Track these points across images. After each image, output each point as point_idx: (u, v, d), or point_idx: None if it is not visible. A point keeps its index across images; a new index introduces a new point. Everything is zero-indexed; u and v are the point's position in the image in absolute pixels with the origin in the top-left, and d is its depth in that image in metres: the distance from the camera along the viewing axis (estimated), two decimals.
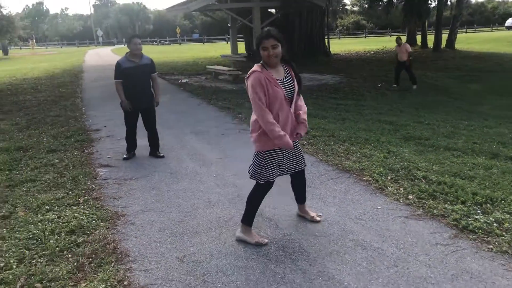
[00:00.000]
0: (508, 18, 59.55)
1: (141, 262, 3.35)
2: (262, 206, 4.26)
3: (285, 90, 3.42)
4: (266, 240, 3.62)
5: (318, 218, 3.94)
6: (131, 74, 5.83)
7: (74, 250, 3.53)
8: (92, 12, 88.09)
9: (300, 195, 4.02)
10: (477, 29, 58.53)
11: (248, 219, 3.67)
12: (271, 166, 3.53)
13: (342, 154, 5.94)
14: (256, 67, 3.41)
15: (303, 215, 4.03)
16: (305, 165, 3.81)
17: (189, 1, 16.97)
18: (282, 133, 3.35)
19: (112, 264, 3.30)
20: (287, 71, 3.53)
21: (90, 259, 3.38)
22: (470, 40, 35.76)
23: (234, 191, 4.77)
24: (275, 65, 3.43)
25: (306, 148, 6.29)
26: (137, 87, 5.93)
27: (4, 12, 36.79)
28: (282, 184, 4.73)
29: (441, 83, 15.95)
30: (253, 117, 3.47)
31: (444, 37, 27.19)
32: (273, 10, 22.85)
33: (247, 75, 3.42)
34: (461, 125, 8.42)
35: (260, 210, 4.18)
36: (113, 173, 5.52)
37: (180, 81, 15.85)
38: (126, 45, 5.92)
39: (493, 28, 59.14)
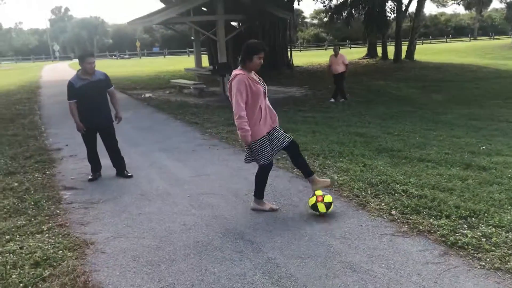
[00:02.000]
0: (460, 30, 62.24)
1: None
2: (242, 228, 4.07)
3: (262, 87, 4.26)
4: (277, 207, 4.53)
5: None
6: (85, 92, 5.50)
7: (40, 285, 3.20)
8: (48, 26, 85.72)
9: (304, 168, 4.53)
10: (432, 41, 60.62)
11: (259, 194, 4.50)
12: (264, 151, 4.29)
13: (318, 169, 5.80)
14: (238, 71, 4.18)
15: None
16: (291, 138, 4.43)
17: (152, 14, 16.64)
18: (247, 127, 4.11)
19: None
20: (255, 74, 4.37)
21: None
22: (427, 51, 36.88)
23: (211, 212, 4.52)
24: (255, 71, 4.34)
25: (281, 163, 6.12)
26: (92, 106, 5.61)
27: None
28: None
29: (404, 93, 16.24)
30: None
31: (404, 48, 27.91)
32: (235, 24, 22.81)
33: (231, 78, 4.17)
34: (430, 136, 8.48)
35: (241, 233, 3.98)
36: (78, 196, 5.16)
37: (143, 95, 15.47)
38: (79, 62, 5.58)
39: (447, 40, 61.41)
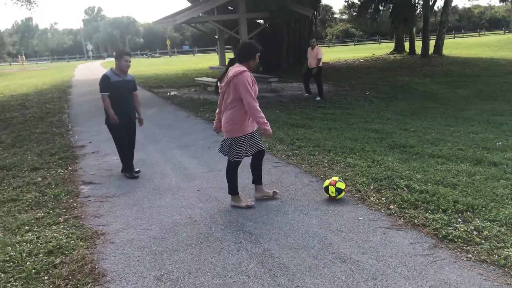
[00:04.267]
0: (495, 23, 60.43)
1: (118, 282, 3.30)
2: (244, 221, 4.26)
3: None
4: (253, 203, 4.64)
5: (277, 190, 4.95)
6: (119, 87, 5.80)
7: (50, 271, 3.48)
8: (82, 26, 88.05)
9: (257, 174, 4.82)
10: (464, 34, 59.12)
11: (233, 190, 4.64)
12: (240, 149, 4.48)
13: (326, 165, 5.93)
14: (241, 67, 4.24)
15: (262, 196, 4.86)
16: (263, 146, 4.69)
17: (176, 14, 17.00)
18: (266, 121, 4.28)
19: (89, 285, 3.25)
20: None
21: (67, 280, 3.32)
22: (457, 46, 36.07)
23: (216, 206, 4.73)
24: None
25: (291, 159, 6.27)
26: (123, 100, 5.89)
27: None
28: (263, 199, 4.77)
29: (429, 89, 16.02)
30: (230, 112, 4.35)
31: (432, 43, 27.40)
32: (261, 21, 22.96)
33: (236, 73, 4.17)
34: (447, 132, 8.44)
35: (242, 225, 4.16)
36: (95, 191, 5.47)
37: (168, 93, 15.84)
38: (115, 60, 5.88)
39: (480, 33, 59.75)
